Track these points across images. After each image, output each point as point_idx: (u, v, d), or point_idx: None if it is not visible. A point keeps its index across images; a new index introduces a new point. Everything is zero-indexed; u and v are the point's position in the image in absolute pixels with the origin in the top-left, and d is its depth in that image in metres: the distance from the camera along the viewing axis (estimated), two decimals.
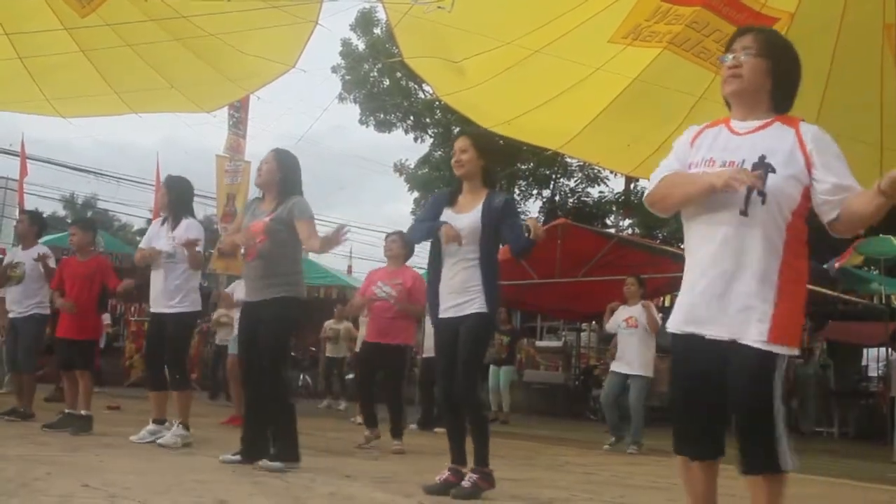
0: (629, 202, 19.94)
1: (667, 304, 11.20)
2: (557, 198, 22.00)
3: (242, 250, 4.86)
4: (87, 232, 6.70)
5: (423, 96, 19.87)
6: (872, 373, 16.26)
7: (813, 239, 2.57)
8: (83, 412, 6.10)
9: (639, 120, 7.05)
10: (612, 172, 18.81)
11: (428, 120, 21.14)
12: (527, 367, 16.50)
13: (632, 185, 18.86)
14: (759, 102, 2.59)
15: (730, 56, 2.60)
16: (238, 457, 4.72)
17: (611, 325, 8.24)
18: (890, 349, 14.06)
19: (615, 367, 8.23)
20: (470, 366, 4.15)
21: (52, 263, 6.87)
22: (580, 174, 21.50)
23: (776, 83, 2.58)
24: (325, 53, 22.79)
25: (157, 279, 5.69)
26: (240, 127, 11.74)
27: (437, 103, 17.87)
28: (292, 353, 15.46)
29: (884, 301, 11.72)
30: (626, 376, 8.01)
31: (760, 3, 6.05)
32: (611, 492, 4.72)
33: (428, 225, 4.28)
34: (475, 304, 4.11)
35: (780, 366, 2.45)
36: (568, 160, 19.72)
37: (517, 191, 21.81)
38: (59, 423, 6.08)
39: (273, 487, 3.92)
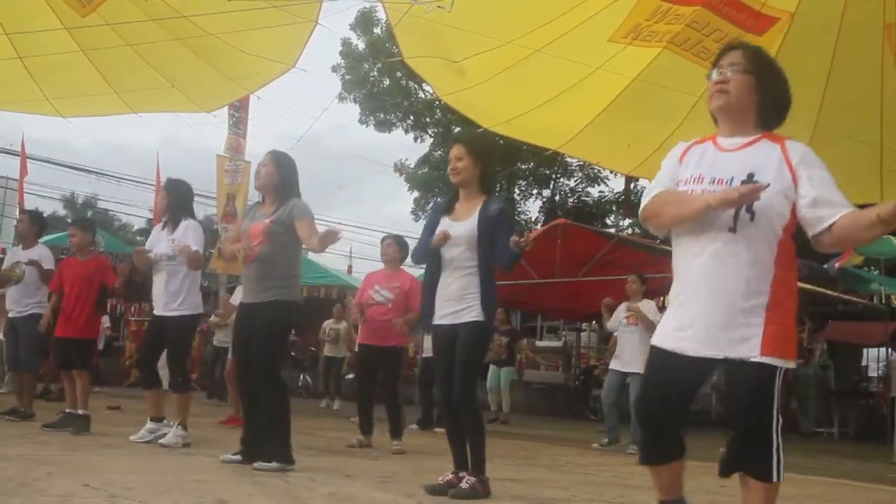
0: (629, 202, 19.91)
1: (666, 304, 11.19)
2: (557, 197, 22.00)
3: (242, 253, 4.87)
4: (87, 232, 6.71)
5: (423, 96, 19.87)
6: (872, 373, 16.25)
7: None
8: (81, 412, 6.11)
9: (639, 120, 7.05)
10: (612, 172, 18.80)
11: (428, 120, 21.14)
12: (526, 368, 16.50)
13: (632, 185, 18.84)
14: (745, 118, 2.61)
15: (716, 72, 2.63)
16: (238, 457, 4.73)
17: (612, 323, 8.24)
18: (890, 349, 14.06)
19: (615, 365, 8.21)
20: (467, 371, 4.16)
21: (46, 265, 6.88)
22: (580, 174, 21.51)
23: (763, 99, 2.61)
24: (326, 53, 22.81)
25: (158, 282, 5.73)
26: (240, 127, 11.72)
27: (437, 103, 17.86)
28: (292, 353, 15.54)
29: (884, 301, 11.72)
30: (626, 374, 8.00)
31: (761, 3, 6.04)
32: (611, 492, 4.72)
33: (423, 244, 4.33)
34: (472, 312, 4.12)
35: (779, 378, 2.48)
36: (568, 160, 19.73)
37: (517, 190, 21.82)
38: (59, 423, 6.09)
39: (273, 487, 3.92)
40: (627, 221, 21.37)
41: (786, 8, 6.09)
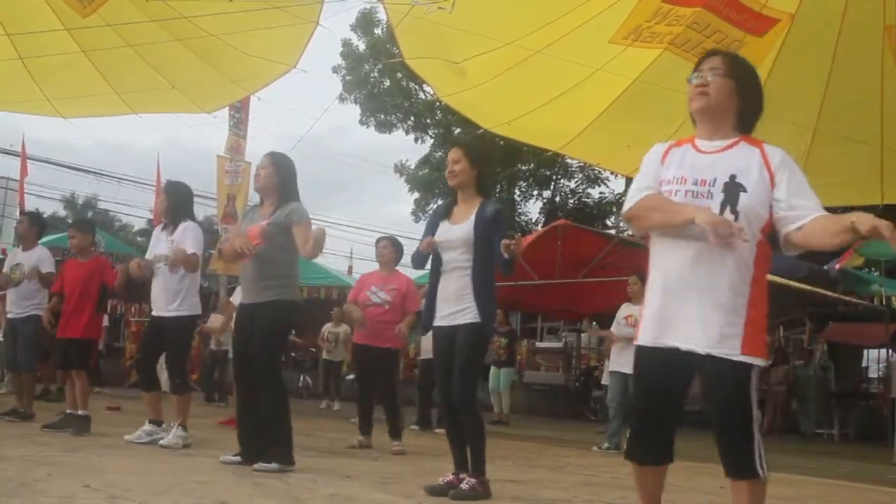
0: None
1: None
2: (558, 199, 22.01)
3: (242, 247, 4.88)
4: (87, 233, 6.71)
5: (423, 97, 19.89)
6: (873, 374, 16.28)
7: None
8: (80, 412, 6.11)
9: (639, 121, 7.05)
10: (612, 173, 18.81)
11: (428, 120, 21.16)
12: (526, 368, 16.51)
13: None
14: (724, 121, 2.67)
15: (696, 76, 2.70)
16: (238, 458, 4.72)
17: (614, 326, 8.22)
18: (890, 350, 14.08)
19: (615, 367, 8.08)
20: (467, 373, 4.17)
21: (46, 266, 6.88)
22: (581, 175, 21.52)
23: (742, 104, 2.67)
24: (326, 54, 22.86)
25: (157, 283, 5.72)
26: (240, 127, 11.71)
27: (437, 104, 17.88)
28: (293, 355, 15.54)
29: (884, 302, 11.72)
30: (628, 376, 7.97)
31: (761, 4, 6.05)
32: (612, 493, 4.71)
33: (417, 251, 4.39)
34: (469, 314, 4.14)
35: (755, 376, 2.55)
36: (568, 161, 19.73)
37: (518, 192, 21.83)
38: (59, 424, 6.08)
39: (274, 488, 3.92)
40: None
41: (786, 9, 6.10)
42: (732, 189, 2.54)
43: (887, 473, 7.46)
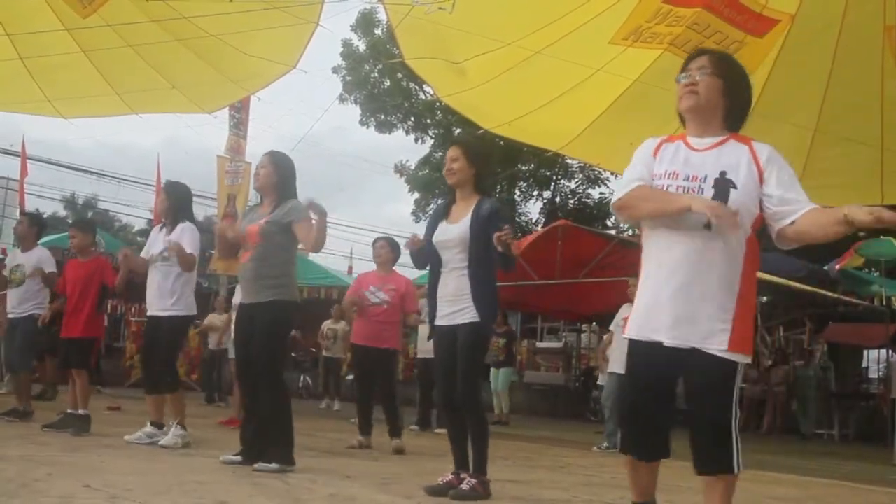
0: None
1: None
2: (558, 199, 22.01)
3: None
4: (87, 233, 6.70)
5: (423, 97, 19.89)
6: (873, 374, 16.29)
7: None
8: (81, 412, 6.11)
9: (640, 121, 7.04)
10: (612, 174, 18.76)
11: (429, 121, 21.15)
12: (526, 368, 16.50)
13: None
14: (713, 119, 2.71)
15: (684, 75, 2.73)
16: (238, 457, 4.72)
17: (613, 326, 8.22)
18: (890, 351, 14.09)
19: (614, 368, 8.06)
20: (469, 373, 4.17)
21: (47, 267, 6.88)
22: (581, 175, 21.53)
23: (730, 102, 2.70)
24: (326, 54, 22.84)
25: (152, 281, 5.72)
26: (241, 128, 11.73)
27: (437, 104, 17.89)
28: (293, 354, 15.53)
29: (884, 303, 11.74)
30: (622, 376, 7.95)
31: (761, 5, 6.05)
32: (612, 493, 4.71)
33: (410, 250, 4.43)
34: (467, 313, 4.14)
35: (739, 374, 2.58)
36: (569, 161, 19.74)
37: (518, 192, 21.83)
38: (59, 424, 6.08)
39: (274, 489, 3.92)
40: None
41: (786, 10, 6.10)
42: (723, 185, 2.57)
43: (887, 474, 7.46)
